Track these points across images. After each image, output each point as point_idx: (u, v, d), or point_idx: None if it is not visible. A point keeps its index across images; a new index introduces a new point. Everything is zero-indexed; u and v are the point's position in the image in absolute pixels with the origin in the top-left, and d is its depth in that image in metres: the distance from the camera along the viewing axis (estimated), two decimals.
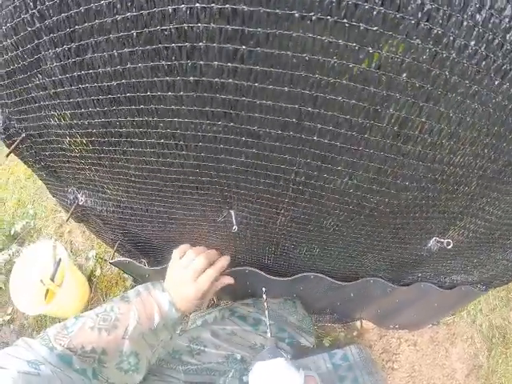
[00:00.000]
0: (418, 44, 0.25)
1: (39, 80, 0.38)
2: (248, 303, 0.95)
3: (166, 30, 0.27)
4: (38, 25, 0.31)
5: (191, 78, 0.30)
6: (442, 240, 0.49)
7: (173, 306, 0.56)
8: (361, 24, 0.24)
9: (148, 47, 0.29)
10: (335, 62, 0.26)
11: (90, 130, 0.40)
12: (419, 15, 0.24)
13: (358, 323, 1.18)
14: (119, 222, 0.65)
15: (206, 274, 0.58)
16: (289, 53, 0.27)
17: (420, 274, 0.71)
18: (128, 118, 0.36)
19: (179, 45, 0.28)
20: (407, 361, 1.15)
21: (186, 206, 0.52)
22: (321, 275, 0.68)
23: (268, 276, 0.74)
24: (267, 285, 0.84)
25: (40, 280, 1.12)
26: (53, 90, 0.39)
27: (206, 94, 0.31)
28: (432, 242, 0.52)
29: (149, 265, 0.85)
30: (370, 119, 0.30)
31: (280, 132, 0.34)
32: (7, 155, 0.52)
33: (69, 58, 0.33)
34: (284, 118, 0.32)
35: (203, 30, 0.27)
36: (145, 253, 0.79)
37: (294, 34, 0.26)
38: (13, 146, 0.51)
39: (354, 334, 1.18)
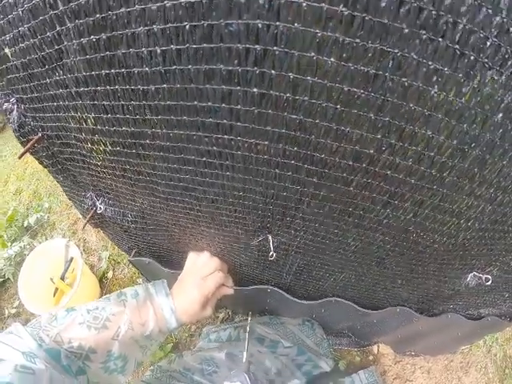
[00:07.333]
0: None
1: (59, 76, 0.32)
2: (265, 322, 0.92)
3: (231, 25, 0.20)
4: (61, 7, 0.25)
5: (255, 90, 0.23)
6: (481, 275, 0.48)
7: (173, 314, 0.53)
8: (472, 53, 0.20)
9: (204, 45, 0.21)
10: (436, 93, 0.22)
11: (116, 139, 0.34)
12: None
13: (374, 347, 1.13)
14: (141, 233, 0.59)
15: (214, 274, 0.57)
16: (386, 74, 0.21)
17: (451, 306, 0.68)
18: (165, 131, 0.29)
19: (247, 46, 0.21)
20: None
21: (219, 227, 0.45)
22: (347, 302, 0.66)
23: (292, 298, 0.69)
24: (288, 305, 0.82)
25: (50, 278, 1.07)
26: (74, 89, 0.32)
27: (270, 112, 0.24)
28: (470, 277, 0.50)
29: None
30: (455, 158, 0.26)
31: (351, 163, 0.28)
32: (20, 156, 0.45)
33: (96, 52, 0.26)
34: (361, 148, 0.26)
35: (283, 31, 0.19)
36: (164, 262, 0.73)
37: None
38: (27, 146, 0.45)
39: (370, 358, 1.13)
